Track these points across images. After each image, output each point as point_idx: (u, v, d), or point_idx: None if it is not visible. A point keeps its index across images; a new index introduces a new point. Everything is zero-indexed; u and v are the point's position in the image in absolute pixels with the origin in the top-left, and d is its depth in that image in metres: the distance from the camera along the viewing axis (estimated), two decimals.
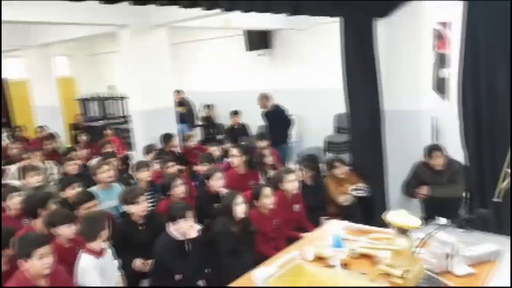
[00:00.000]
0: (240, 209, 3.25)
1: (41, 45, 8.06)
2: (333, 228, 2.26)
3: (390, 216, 1.95)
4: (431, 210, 4.12)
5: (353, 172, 4.37)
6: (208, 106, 8.57)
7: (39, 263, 2.41)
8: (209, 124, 8.58)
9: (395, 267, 1.93)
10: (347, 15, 4.06)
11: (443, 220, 3.34)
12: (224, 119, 8.47)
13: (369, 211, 4.24)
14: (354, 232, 2.70)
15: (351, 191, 4.09)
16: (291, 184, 3.75)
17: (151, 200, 4.34)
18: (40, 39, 7.85)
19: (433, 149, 4.22)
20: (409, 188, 4.40)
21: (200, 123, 8.88)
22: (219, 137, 8.39)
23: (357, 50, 4.05)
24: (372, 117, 4.30)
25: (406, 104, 4.51)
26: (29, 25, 7.58)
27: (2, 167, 5.56)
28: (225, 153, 5.61)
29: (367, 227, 2.72)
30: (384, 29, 4.42)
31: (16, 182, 4.84)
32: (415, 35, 4.36)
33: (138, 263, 3.26)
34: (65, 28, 6.85)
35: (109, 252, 2.98)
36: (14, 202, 3.63)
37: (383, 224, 3.34)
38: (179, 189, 3.78)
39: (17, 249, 2.52)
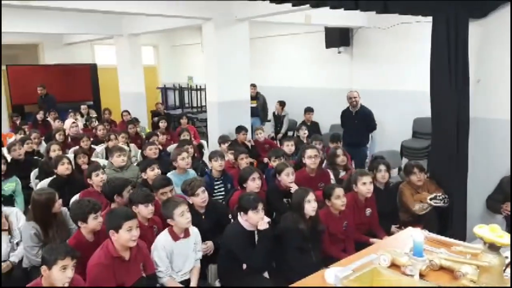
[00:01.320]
0: (310, 206, 3.21)
1: (131, 35, 8.59)
2: (411, 235, 2.15)
3: (481, 230, 1.82)
4: None
5: (431, 180, 4.14)
6: (280, 102, 8.58)
7: (127, 234, 2.59)
8: (278, 119, 8.59)
9: (482, 284, 1.81)
10: (440, 15, 3.84)
11: None
12: (297, 115, 8.44)
13: (446, 222, 4.01)
14: (433, 243, 2.56)
15: (429, 200, 3.88)
16: (365, 187, 3.66)
17: (221, 189, 4.48)
18: (130, 29, 8.38)
19: None
20: (494, 203, 4.11)
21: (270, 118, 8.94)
22: (290, 133, 8.39)
23: (449, 52, 3.80)
24: (459, 124, 4.02)
25: (497, 113, 4.18)
26: (122, 16, 8.13)
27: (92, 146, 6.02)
28: (297, 150, 5.60)
29: (448, 239, 2.57)
30: (475, 31, 4.13)
31: (102, 161, 5.24)
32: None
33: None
34: (153, 20, 7.24)
35: (192, 240, 3.10)
36: (97, 180, 3.92)
37: (459, 237, 3.15)
38: (255, 184, 3.79)
39: (107, 221, 2.71)
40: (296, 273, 2.58)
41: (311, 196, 3.23)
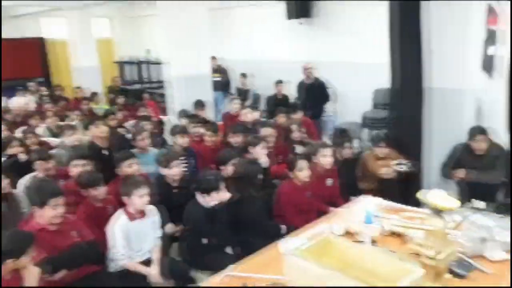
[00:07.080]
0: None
1: (83, 6, 8.15)
2: (366, 204, 2.21)
3: (427, 195, 1.88)
4: (467, 193, 3.98)
5: (393, 150, 4.25)
6: (243, 75, 8.46)
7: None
8: (244, 93, 8.49)
9: (427, 247, 1.88)
10: None
11: (479, 204, 3.22)
12: (261, 88, 8.36)
13: (405, 190, 4.13)
14: (387, 210, 2.64)
15: (394, 166, 3.99)
16: (325, 158, 3.70)
17: (185, 165, 4.39)
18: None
19: (476, 132, 4.02)
20: (446, 170, 4.25)
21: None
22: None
23: (403, 23, 3.83)
24: (415, 94, 4.11)
25: (450, 83, 4.29)
26: None
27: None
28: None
29: (400, 205, 2.65)
30: (432, 4, 4.17)
31: (54, 140, 4.98)
32: (464, 10, 4.09)
33: (169, 227, 3.29)
34: None
35: (149, 220, 3.00)
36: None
37: (419, 204, 3.27)
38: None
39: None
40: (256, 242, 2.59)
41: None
